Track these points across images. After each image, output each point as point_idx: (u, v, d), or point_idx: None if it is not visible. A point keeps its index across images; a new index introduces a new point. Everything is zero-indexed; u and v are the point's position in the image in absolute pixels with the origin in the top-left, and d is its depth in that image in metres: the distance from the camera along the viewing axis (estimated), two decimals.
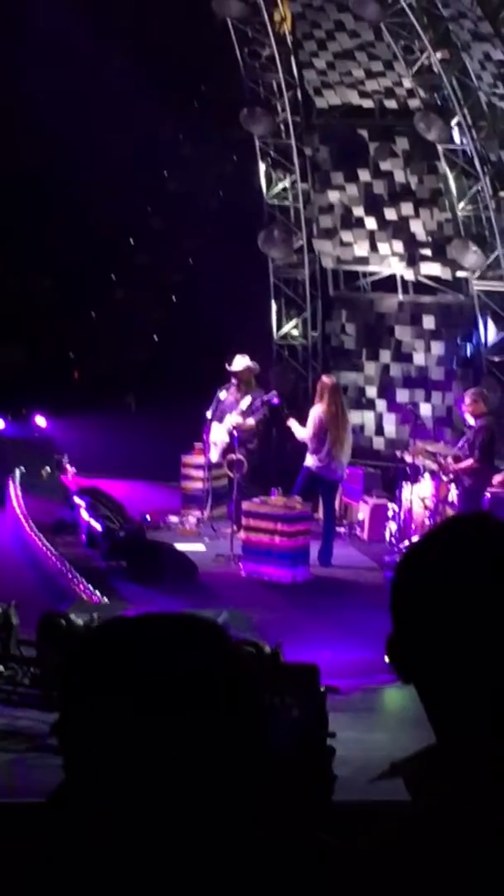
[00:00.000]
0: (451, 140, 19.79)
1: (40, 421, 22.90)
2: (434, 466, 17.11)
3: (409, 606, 2.29)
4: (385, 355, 21.85)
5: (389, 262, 21.52)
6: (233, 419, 18.00)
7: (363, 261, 21.96)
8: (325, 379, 17.79)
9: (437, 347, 21.37)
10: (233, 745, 2.05)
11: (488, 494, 16.76)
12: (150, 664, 2.06)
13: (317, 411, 17.04)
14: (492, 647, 2.18)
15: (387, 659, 2.33)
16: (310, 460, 16.98)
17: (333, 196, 21.79)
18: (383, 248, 21.43)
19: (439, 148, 19.92)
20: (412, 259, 21.08)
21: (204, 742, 2.03)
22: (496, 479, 16.79)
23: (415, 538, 16.52)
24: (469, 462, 16.44)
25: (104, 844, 2.01)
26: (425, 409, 20.97)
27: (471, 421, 16.97)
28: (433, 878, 2.02)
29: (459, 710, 2.20)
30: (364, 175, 21.32)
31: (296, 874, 2.10)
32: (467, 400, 16.98)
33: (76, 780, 2.08)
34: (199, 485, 18.97)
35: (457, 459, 16.72)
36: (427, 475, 17.30)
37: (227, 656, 2.13)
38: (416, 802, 2.13)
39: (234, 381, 18.35)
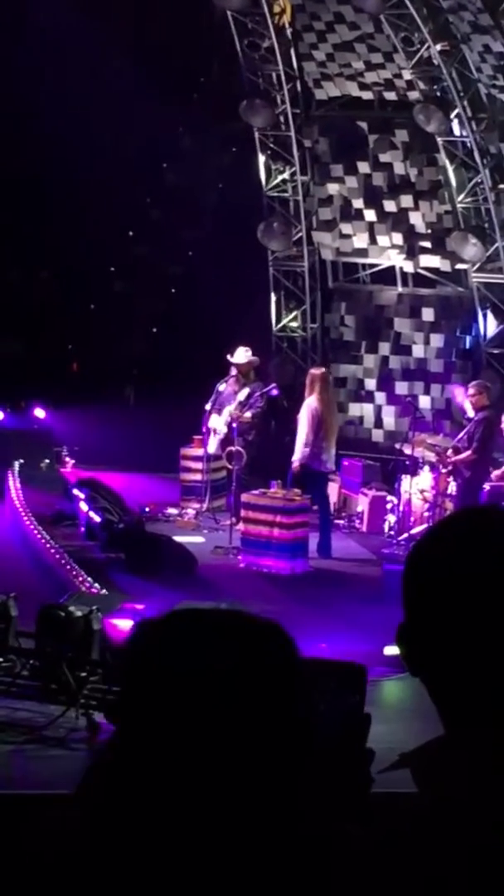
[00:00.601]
0: (451, 132, 19.78)
1: (39, 413, 22.90)
2: (433, 458, 17.12)
3: (421, 597, 2.30)
4: (384, 347, 21.85)
5: (389, 254, 21.52)
6: (231, 410, 18.02)
7: (362, 253, 21.96)
8: (315, 370, 17.80)
9: (437, 340, 21.38)
10: (276, 738, 2.08)
11: (487, 487, 16.78)
12: (203, 657, 2.09)
13: (311, 403, 17.03)
14: (499, 638, 2.19)
15: (396, 649, 2.33)
16: (304, 451, 16.96)
17: (333, 188, 21.79)
18: (382, 240, 21.43)
19: (439, 140, 19.91)
20: (411, 251, 21.09)
21: (249, 734, 2.06)
22: (495, 472, 16.79)
23: (415, 530, 16.57)
24: (468, 454, 16.45)
25: (148, 827, 2.03)
26: (424, 402, 20.95)
27: (471, 413, 16.98)
28: (437, 869, 2.04)
29: (467, 701, 2.22)
30: (363, 167, 21.31)
31: (321, 865, 2.12)
32: (471, 391, 16.99)
33: (123, 759, 2.10)
34: (197, 477, 18.98)
35: (456, 451, 16.73)
36: (426, 467, 17.32)
37: (279, 654, 2.19)
38: (423, 793, 2.16)
39: (233, 372, 18.37)
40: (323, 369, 18.00)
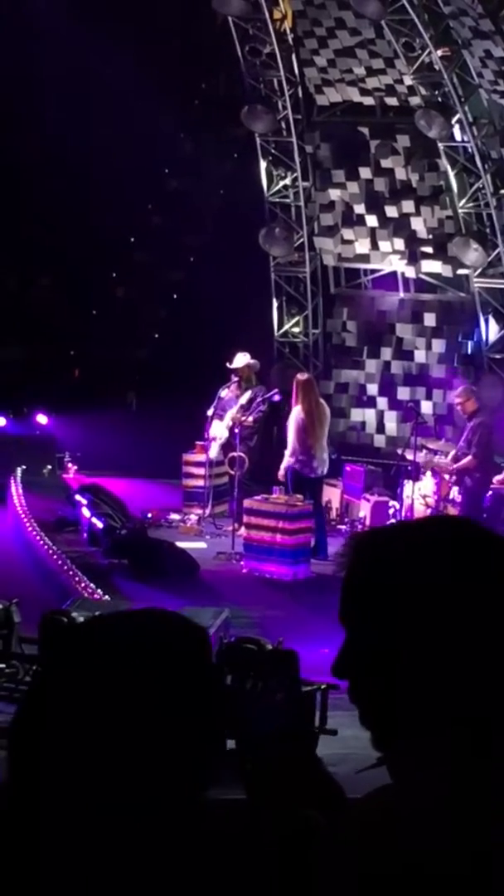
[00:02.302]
0: (452, 137, 19.78)
1: (41, 419, 22.91)
2: (434, 466, 17.12)
3: (371, 610, 2.31)
4: (386, 353, 21.85)
5: (390, 259, 21.52)
6: (232, 414, 18.04)
7: (364, 258, 21.96)
8: (298, 376, 17.75)
9: (438, 345, 21.37)
10: (185, 710, 2.17)
11: (490, 492, 16.77)
12: (109, 643, 2.22)
13: (295, 412, 17.05)
14: (457, 647, 2.23)
15: (337, 674, 2.35)
16: (290, 460, 16.99)
17: (334, 193, 21.79)
18: (384, 245, 21.43)
19: (440, 145, 19.91)
20: (413, 256, 21.09)
21: (158, 707, 2.15)
22: (497, 477, 16.78)
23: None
24: (469, 459, 16.43)
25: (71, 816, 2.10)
26: (426, 407, 20.96)
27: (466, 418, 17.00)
28: (403, 853, 2.08)
29: (424, 711, 2.24)
30: (365, 172, 21.31)
31: (288, 849, 2.22)
32: (458, 399, 16.98)
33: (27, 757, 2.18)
34: (200, 482, 18.99)
35: (457, 460, 16.70)
36: (428, 473, 17.32)
37: (181, 633, 2.27)
38: (394, 784, 2.22)
39: (234, 378, 18.39)
40: (306, 375, 17.89)
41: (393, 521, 17.28)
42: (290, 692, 2.35)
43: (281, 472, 17.05)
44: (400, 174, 21.04)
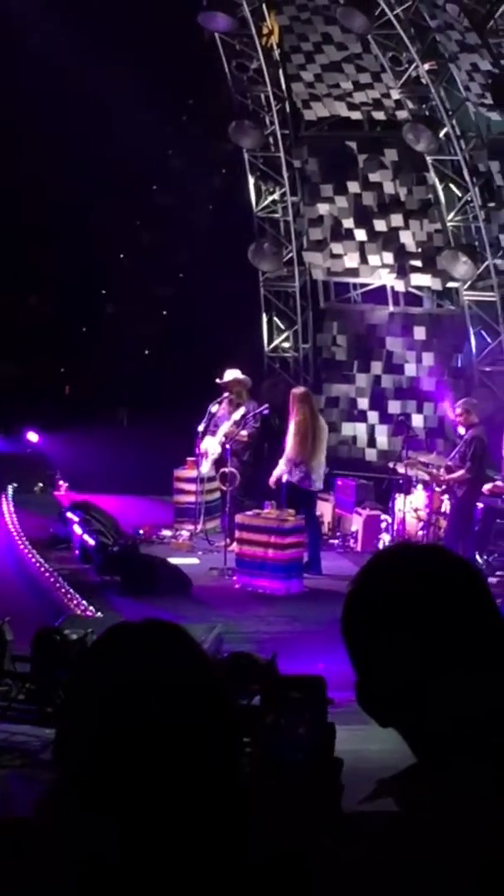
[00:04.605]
0: (440, 151, 19.80)
1: (32, 437, 22.90)
2: (427, 477, 17.11)
3: (368, 651, 2.42)
4: (376, 366, 21.85)
5: (380, 273, 21.54)
6: (225, 429, 18.03)
7: (353, 272, 21.98)
8: (294, 390, 17.77)
9: (429, 358, 21.38)
10: (204, 737, 2.18)
11: (480, 504, 16.77)
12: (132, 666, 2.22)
13: (292, 426, 17.07)
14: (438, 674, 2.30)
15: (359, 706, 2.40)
16: (283, 468, 16.98)
17: (323, 208, 21.81)
18: (373, 259, 21.45)
19: (428, 159, 19.94)
20: (402, 270, 21.10)
21: (177, 735, 2.15)
22: (486, 487, 16.78)
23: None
24: (461, 473, 16.42)
25: (111, 846, 2.09)
26: (417, 420, 20.96)
27: (462, 431, 16.98)
28: (413, 881, 2.10)
29: (430, 737, 2.30)
30: (353, 187, 21.34)
31: (298, 876, 2.21)
32: (458, 410, 16.97)
33: (68, 786, 2.17)
34: (191, 498, 18.99)
35: (449, 470, 16.71)
36: (420, 486, 17.31)
37: (194, 656, 2.29)
38: (403, 813, 2.23)
39: (225, 394, 18.38)
40: (302, 389, 17.90)
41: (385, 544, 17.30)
42: (314, 724, 2.34)
43: (272, 479, 17.04)
44: (388, 188, 21.07)
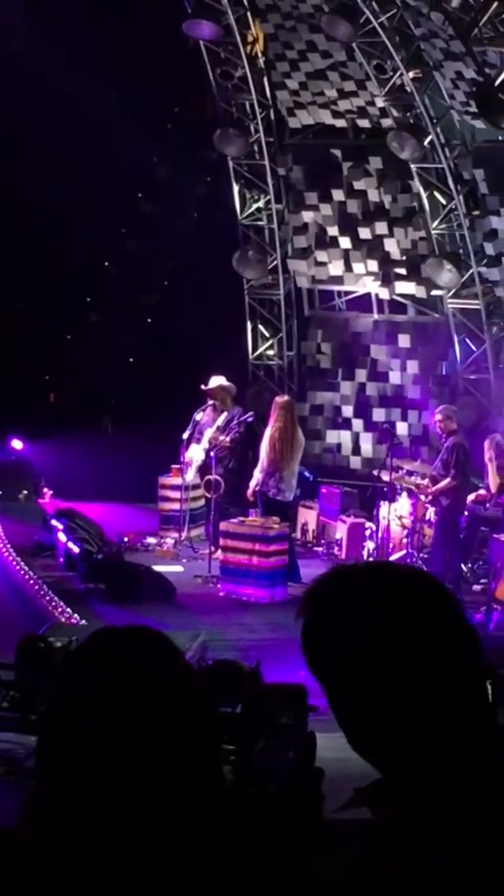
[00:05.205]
0: (425, 159, 19.82)
1: (17, 444, 22.86)
2: (413, 487, 17.10)
3: (334, 680, 2.38)
4: (361, 374, 21.87)
5: (364, 281, 21.55)
6: (209, 434, 18.03)
7: (338, 280, 21.99)
8: (278, 399, 17.75)
9: (413, 366, 21.40)
10: (185, 741, 2.18)
11: (466, 513, 16.76)
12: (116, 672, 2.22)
13: (267, 433, 17.07)
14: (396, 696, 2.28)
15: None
16: (258, 478, 16.97)
17: (307, 216, 21.82)
18: (358, 267, 21.46)
19: (413, 167, 19.95)
20: (387, 278, 21.11)
21: (161, 738, 2.16)
22: (471, 497, 16.78)
23: (394, 556, 16.54)
24: (448, 482, 16.39)
25: (84, 843, 2.10)
26: (402, 428, 20.97)
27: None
28: (382, 890, 2.10)
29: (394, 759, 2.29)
30: (338, 195, 21.35)
31: (282, 883, 2.22)
32: (438, 416, 16.96)
33: (50, 784, 2.18)
34: (176, 506, 18.97)
35: (434, 480, 16.67)
36: (404, 494, 17.30)
37: (176, 663, 2.29)
38: (376, 822, 2.25)
39: (210, 401, 18.37)
40: (286, 398, 17.87)
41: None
42: (301, 747, 2.32)
43: (250, 491, 17.06)
44: (373, 196, 21.08)
